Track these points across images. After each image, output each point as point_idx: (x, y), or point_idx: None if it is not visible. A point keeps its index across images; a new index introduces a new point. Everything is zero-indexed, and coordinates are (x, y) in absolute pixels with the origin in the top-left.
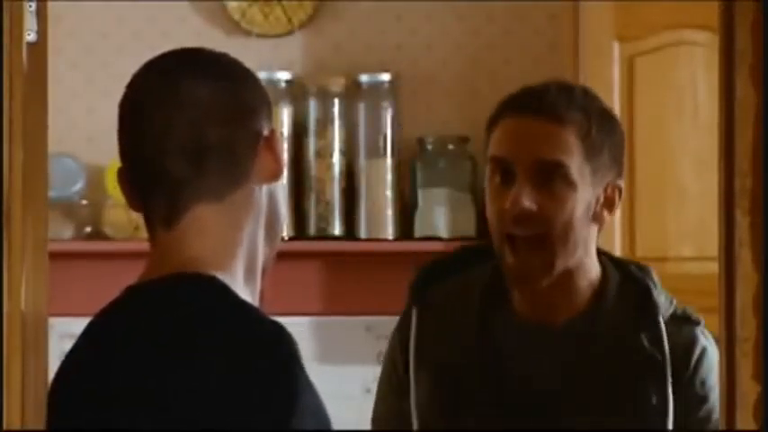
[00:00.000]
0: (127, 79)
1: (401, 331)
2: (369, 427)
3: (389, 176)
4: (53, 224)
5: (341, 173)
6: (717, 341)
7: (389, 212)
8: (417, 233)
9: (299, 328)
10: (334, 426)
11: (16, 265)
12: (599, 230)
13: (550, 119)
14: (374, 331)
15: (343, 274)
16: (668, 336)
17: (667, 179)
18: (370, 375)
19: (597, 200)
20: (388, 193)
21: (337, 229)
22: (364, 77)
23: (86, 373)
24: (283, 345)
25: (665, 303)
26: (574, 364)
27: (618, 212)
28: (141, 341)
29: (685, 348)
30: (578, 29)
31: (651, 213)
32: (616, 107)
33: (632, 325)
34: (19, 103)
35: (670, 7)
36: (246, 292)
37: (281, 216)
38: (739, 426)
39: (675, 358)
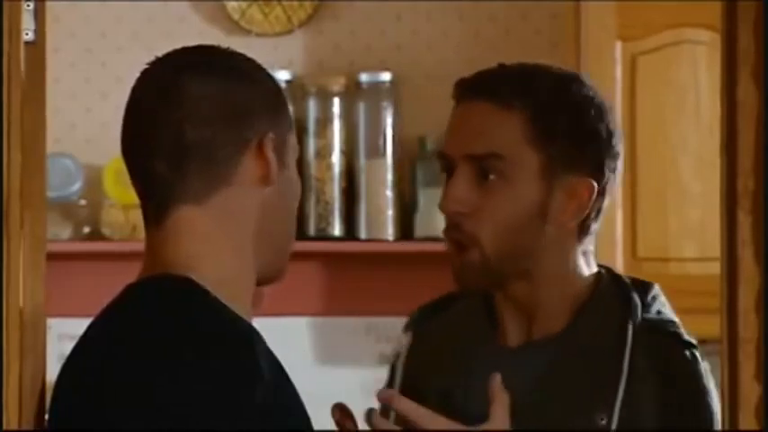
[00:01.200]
0: (125, 79)
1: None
2: (368, 427)
3: (390, 176)
4: (51, 225)
5: (341, 173)
6: (718, 343)
7: (390, 213)
8: (418, 234)
9: (298, 328)
10: (333, 426)
11: (15, 266)
12: (579, 236)
13: (490, 102)
14: (374, 332)
15: (342, 275)
16: (641, 345)
17: (669, 179)
18: (369, 376)
19: (556, 198)
20: (389, 193)
21: (337, 230)
22: (364, 77)
23: (74, 372)
24: (249, 347)
25: (653, 311)
26: (538, 384)
27: (619, 213)
28: (116, 341)
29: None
30: (580, 28)
31: (653, 213)
32: (618, 107)
33: (605, 336)
34: (17, 103)
35: (672, 6)
36: (232, 297)
37: (284, 223)
38: (742, 426)
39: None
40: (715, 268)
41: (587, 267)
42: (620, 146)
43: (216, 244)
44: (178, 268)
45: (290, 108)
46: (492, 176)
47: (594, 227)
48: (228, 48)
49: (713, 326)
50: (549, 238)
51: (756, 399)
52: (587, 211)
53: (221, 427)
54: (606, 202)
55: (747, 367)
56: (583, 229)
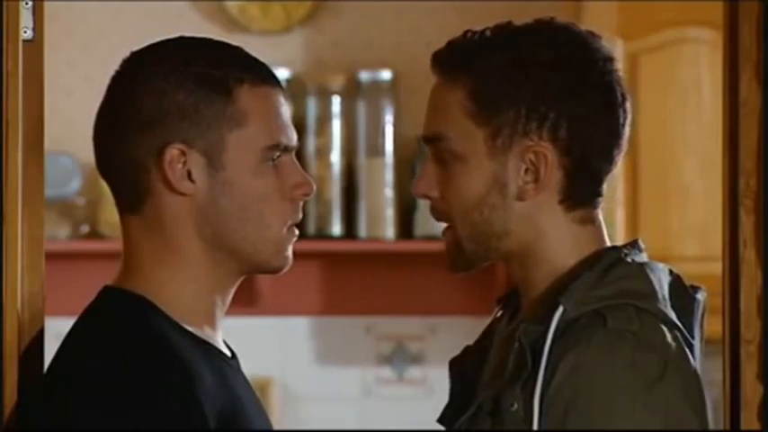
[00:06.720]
0: None
1: None
2: (368, 427)
3: (389, 175)
4: (49, 224)
5: (340, 172)
6: (720, 343)
7: (389, 212)
8: (417, 233)
9: (298, 328)
10: (333, 426)
11: (13, 266)
12: (567, 206)
13: (441, 77)
14: (374, 332)
15: (342, 274)
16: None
17: (671, 178)
18: (369, 376)
19: (515, 169)
20: (388, 192)
21: (337, 229)
22: (364, 75)
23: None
24: (188, 391)
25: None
26: (501, 368)
27: (621, 211)
28: (67, 346)
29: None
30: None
31: (655, 212)
32: None
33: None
34: (15, 102)
35: (673, 5)
36: (181, 310)
37: (228, 225)
38: (743, 426)
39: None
40: (717, 268)
41: (591, 240)
42: (601, 96)
43: (155, 254)
44: (122, 280)
45: (290, 106)
46: (445, 157)
47: (590, 193)
48: (171, 39)
49: (715, 326)
50: (520, 214)
51: (759, 399)
52: (548, 178)
53: None
54: (612, 166)
55: (749, 367)
56: (568, 198)
